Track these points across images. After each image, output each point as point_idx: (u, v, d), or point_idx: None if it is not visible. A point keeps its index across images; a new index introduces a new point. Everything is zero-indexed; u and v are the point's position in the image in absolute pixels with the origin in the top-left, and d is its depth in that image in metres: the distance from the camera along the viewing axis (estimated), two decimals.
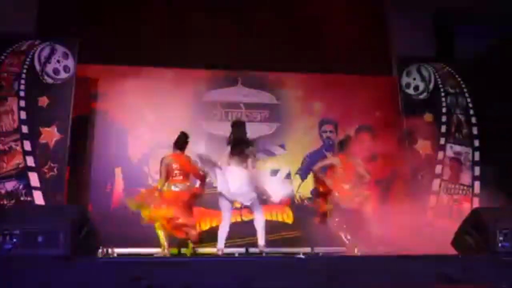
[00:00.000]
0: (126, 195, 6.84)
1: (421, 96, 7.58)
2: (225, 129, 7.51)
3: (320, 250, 6.33)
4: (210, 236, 6.08)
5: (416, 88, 7.58)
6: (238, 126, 5.72)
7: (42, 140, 6.57)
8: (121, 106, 7.32)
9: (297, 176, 7.52)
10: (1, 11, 6.66)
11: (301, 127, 7.69)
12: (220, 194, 5.41)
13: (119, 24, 7.24)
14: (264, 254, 5.39)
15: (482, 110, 7.50)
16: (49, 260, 3.48)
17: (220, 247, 5.37)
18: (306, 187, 7.31)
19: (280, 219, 7.24)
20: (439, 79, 7.66)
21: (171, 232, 5.51)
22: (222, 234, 5.41)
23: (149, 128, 7.25)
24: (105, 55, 7.20)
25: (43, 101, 6.68)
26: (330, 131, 7.78)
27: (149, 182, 7.03)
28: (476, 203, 7.07)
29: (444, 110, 7.56)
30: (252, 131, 7.23)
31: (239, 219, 6.73)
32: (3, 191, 6.33)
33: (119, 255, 5.76)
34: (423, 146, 7.38)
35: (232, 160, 5.44)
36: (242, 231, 6.36)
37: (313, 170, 6.16)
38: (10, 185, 6.36)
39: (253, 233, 5.51)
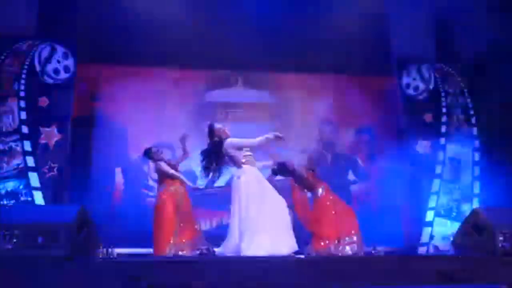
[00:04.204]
0: (126, 195, 6.84)
1: (421, 96, 7.58)
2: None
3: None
4: (209, 237, 6.05)
5: (416, 88, 7.57)
6: None
7: (42, 140, 6.57)
8: (121, 106, 7.31)
9: None
10: (1, 12, 6.66)
11: (301, 127, 7.68)
12: None
13: (119, 24, 7.23)
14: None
15: (482, 110, 7.50)
16: (49, 260, 3.48)
17: None
18: None
19: None
20: (439, 79, 7.66)
21: None
22: None
23: (149, 128, 7.25)
24: (105, 55, 7.20)
25: (43, 101, 6.68)
26: (330, 131, 7.78)
27: (149, 182, 7.04)
28: (476, 203, 7.06)
29: (444, 110, 7.56)
30: (252, 131, 7.27)
31: None
32: (3, 191, 6.34)
33: (119, 255, 5.74)
34: (423, 146, 7.38)
35: None
36: None
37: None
38: (10, 185, 6.37)
39: None
